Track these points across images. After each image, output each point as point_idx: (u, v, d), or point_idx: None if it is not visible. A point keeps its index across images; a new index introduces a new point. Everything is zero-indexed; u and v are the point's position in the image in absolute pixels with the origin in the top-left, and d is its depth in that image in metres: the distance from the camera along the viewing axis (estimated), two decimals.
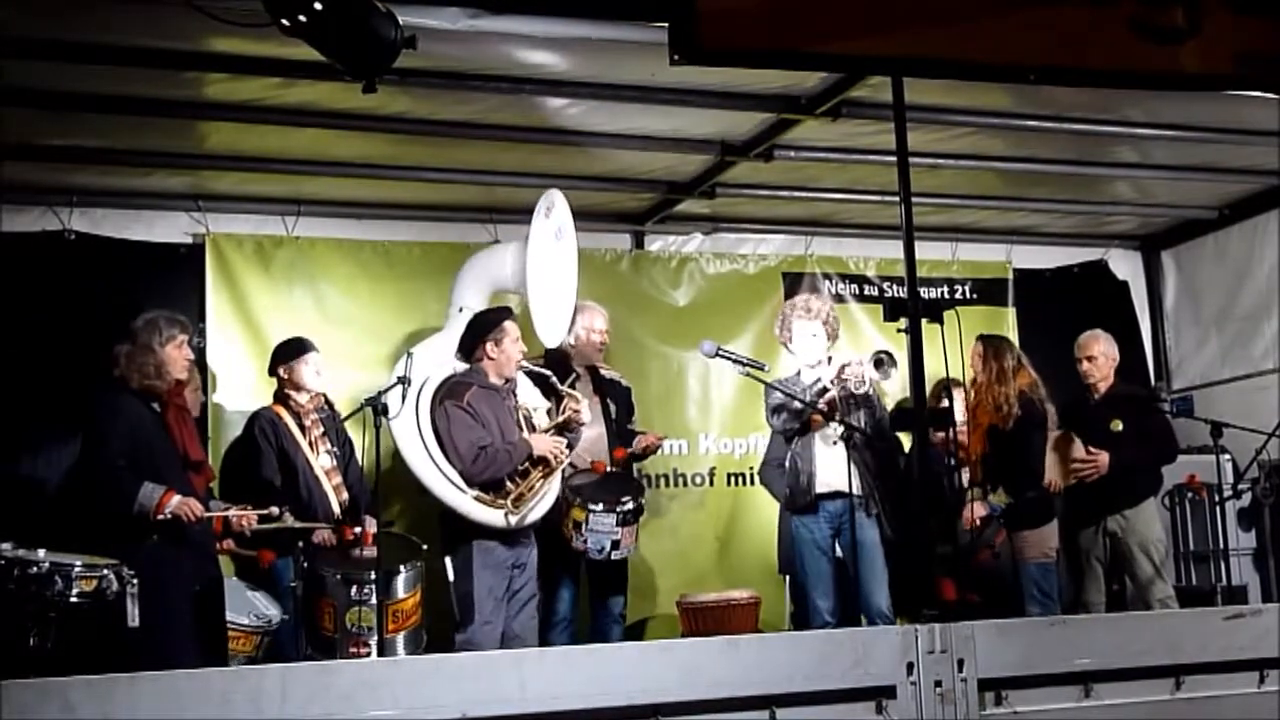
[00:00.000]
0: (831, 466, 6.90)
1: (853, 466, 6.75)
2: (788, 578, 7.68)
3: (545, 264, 7.14)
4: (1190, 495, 8.53)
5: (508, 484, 6.69)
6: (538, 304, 7.06)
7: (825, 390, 6.94)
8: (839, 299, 8.96)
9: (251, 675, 3.67)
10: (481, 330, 6.92)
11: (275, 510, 6.30)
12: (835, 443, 6.88)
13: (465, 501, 6.66)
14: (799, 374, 7.22)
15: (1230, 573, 8.15)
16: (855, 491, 6.79)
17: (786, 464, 7.21)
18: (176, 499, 5.91)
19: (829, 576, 6.98)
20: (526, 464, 6.75)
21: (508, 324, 6.90)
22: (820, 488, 6.97)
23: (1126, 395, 7.59)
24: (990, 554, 7.10)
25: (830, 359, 7.12)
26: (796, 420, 7.06)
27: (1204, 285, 9.58)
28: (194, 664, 5.38)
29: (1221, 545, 8.07)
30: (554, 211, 7.21)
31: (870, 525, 6.91)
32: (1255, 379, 8.97)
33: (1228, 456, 8.28)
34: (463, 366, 6.97)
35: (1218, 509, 8.02)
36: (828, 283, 8.99)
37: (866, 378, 6.90)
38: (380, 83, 5.18)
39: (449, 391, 6.79)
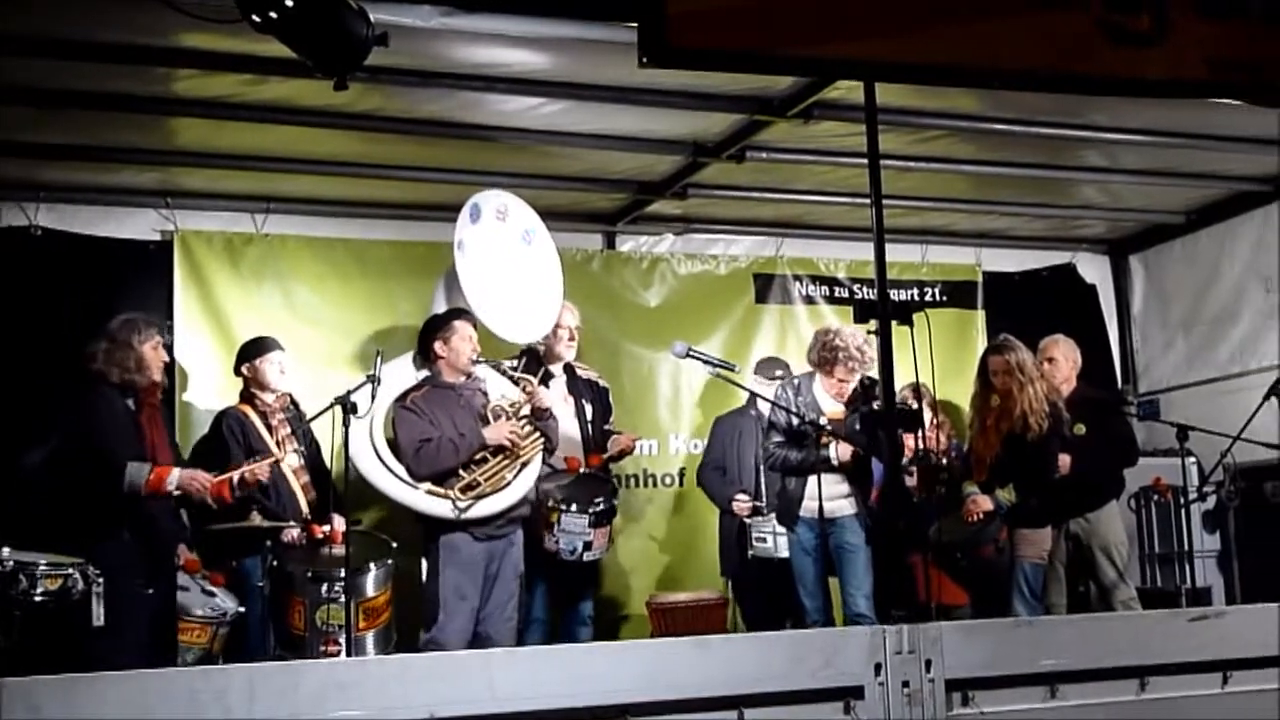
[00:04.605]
0: (827, 494, 6.73)
1: (849, 487, 6.79)
2: (730, 580, 7.71)
3: (502, 266, 7.18)
4: (1156, 497, 8.57)
5: (460, 473, 6.71)
6: (493, 306, 7.06)
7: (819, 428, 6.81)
8: (809, 300, 9.00)
9: (219, 675, 3.65)
10: (432, 330, 6.99)
11: (278, 456, 6.38)
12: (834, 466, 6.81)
13: (415, 496, 6.70)
14: (812, 378, 7.05)
15: (1195, 575, 8.19)
16: (850, 512, 6.81)
17: (763, 477, 7.23)
18: (179, 472, 5.93)
19: (815, 576, 6.94)
20: (484, 453, 6.77)
21: (456, 323, 6.94)
22: (807, 512, 6.87)
23: (1089, 399, 7.61)
24: (994, 549, 7.15)
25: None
26: (803, 463, 6.86)
27: (1171, 289, 9.64)
28: (146, 662, 5.34)
29: (1186, 547, 8.11)
30: (511, 214, 7.23)
31: (856, 530, 6.85)
32: (1221, 383, 9.04)
33: (1193, 459, 8.30)
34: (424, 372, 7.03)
35: (1183, 511, 8.06)
36: (798, 284, 9.02)
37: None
38: (352, 80, 5.17)
39: (399, 396, 6.86)
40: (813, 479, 6.77)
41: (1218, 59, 4.46)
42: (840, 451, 6.78)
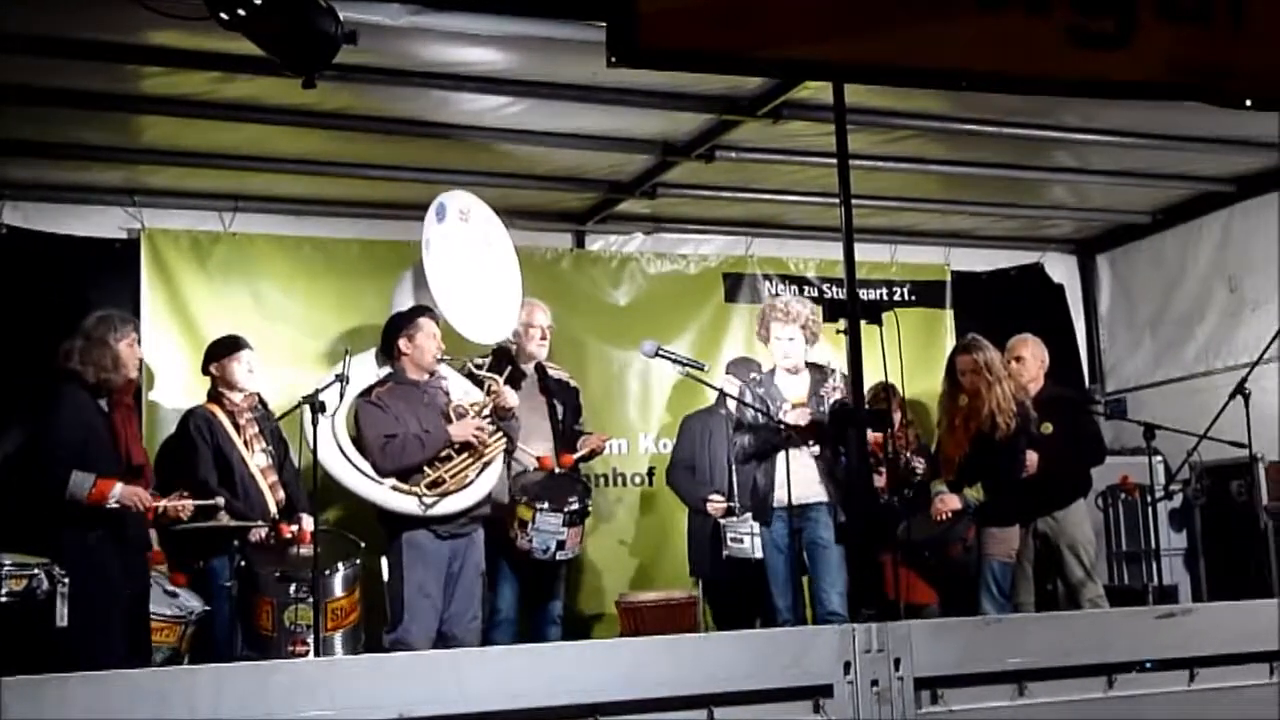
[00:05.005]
0: (795, 479, 6.72)
1: (820, 475, 6.76)
2: (700, 580, 7.72)
3: (465, 267, 7.19)
4: (1123, 496, 8.64)
5: (425, 470, 6.71)
6: (457, 306, 7.06)
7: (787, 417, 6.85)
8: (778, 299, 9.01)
9: (186, 676, 3.63)
10: (396, 328, 6.99)
11: (220, 500, 6.27)
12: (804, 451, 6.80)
13: (381, 492, 6.69)
14: (773, 374, 7.06)
15: (1161, 572, 8.25)
16: (823, 499, 6.78)
17: (735, 467, 7.23)
18: (121, 487, 5.89)
19: (786, 575, 6.90)
20: (449, 451, 6.77)
21: (420, 319, 6.94)
22: (780, 502, 6.82)
23: (1056, 398, 7.65)
24: (962, 548, 7.18)
25: (808, 366, 7.01)
26: (756, 437, 6.93)
27: (1138, 289, 9.71)
28: (120, 664, 5.32)
29: (1153, 545, 8.16)
30: (473, 215, 7.25)
31: (829, 527, 6.79)
32: (1187, 382, 9.10)
33: (1160, 458, 8.41)
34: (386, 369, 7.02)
35: (1150, 510, 8.11)
36: (768, 283, 9.04)
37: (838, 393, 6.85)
38: (320, 78, 5.18)
39: (363, 391, 6.86)
40: (781, 466, 6.75)
41: (1181, 62, 4.50)
42: (797, 416, 6.77)
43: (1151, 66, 4.48)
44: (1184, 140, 7.64)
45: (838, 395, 6.78)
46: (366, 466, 6.74)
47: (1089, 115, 7.20)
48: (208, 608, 6.33)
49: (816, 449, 6.76)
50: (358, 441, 6.83)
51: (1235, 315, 8.80)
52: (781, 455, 6.78)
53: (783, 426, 6.74)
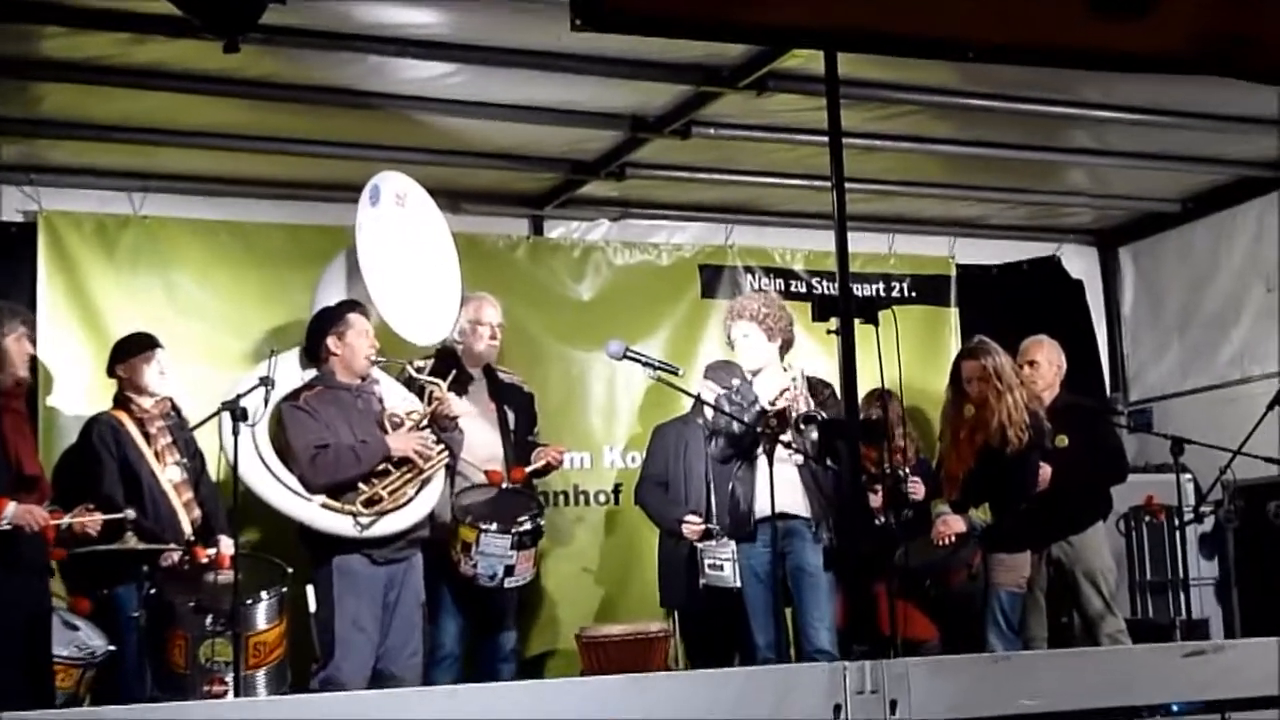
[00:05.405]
0: (775, 487, 6.75)
1: (804, 486, 6.79)
2: (675, 613, 7.73)
3: (401, 257, 7.19)
4: (1147, 518, 8.68)
5: (360, 486, 6.69)
6: (392, 300, 7.06)
7: (764, 411, 6.89)
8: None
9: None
10: (323, 326, 6.98)
11: (130, 513, 6.24)
12: (785, 458, 6.84)
13: (309, 510, 6.67)
14: (750, 382, 7.11)
15: (1190, 605, 8.30)
16: (805, 513, 6.81)
17: (713, 484, 7.25)
18: (14, 507, 5.86)
19: (768, 608, 6.92)
20: (386, 465, 6.76)
21: (350, 316, 6.93)
22: (760, 513, 6.87)
23: (1073, 407, 7.69)
24: (966, 575, 7.20)
25: (787, 367, 7.07)
26: (734, 446, 6.99)
27: (1165, 286, 9.76)
28: (22, 704, 5.29)
29: (1181, 574, 8.21)
30: (411, 200, 7.26)
31: (816, 551, 6.84)
32: (1220, 390, 9.16)
33: (1189, 476, 8.43)
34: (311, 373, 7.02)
35: (1177, 534, 8.18)
36: (750, 277, 9.06)
37: (803, 400, 6.87)
38: (244, 42, 5.15)
39: (287, 395, 6.83)
40: (761, 475, 6.78)
41: (1206, 32, 4.53)
42: (768, 391, 6.82)
43: (1173, 37, 4.51)
44: (1216, 119, 7.67)
45: (801, 403, 6.79)
46: (293, 481, 6.71)
47: (1110, 90, 7.24)
48: (111, 647, 6.29)
49: (800, 458, 6.78)
50: (282, 452, 6.80)
51: (1274, 316, 8.82)
52: (762, 464, 6.80)
53: (760, 431, 6.77)
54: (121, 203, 7.76)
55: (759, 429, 6.80)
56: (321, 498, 6.67)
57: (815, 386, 7.00)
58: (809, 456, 6.77)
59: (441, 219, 7.44)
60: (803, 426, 6.75)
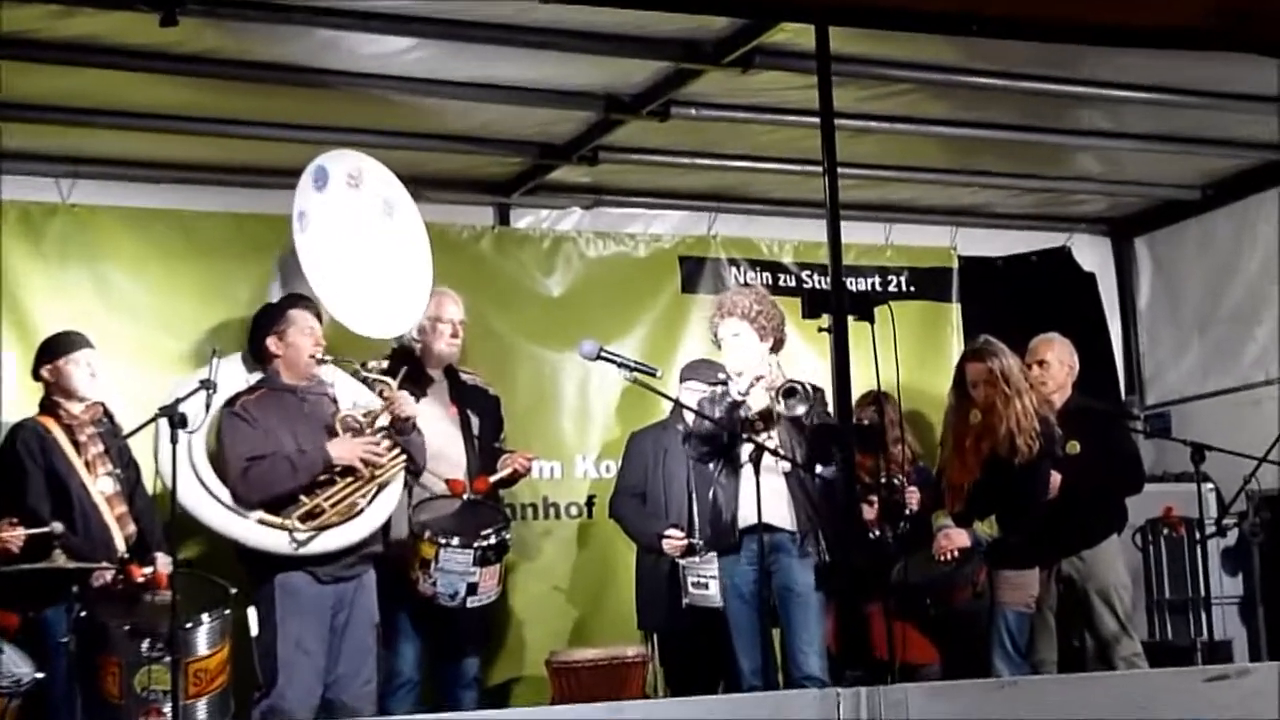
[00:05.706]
0: (762, 498, 6.66)
1: (790, 496, 6.80)
2: (655, 635, 7.77)
3: (354, 244, 7.21)
4: (1166, 532, 8.71)
5: (301, 498, 6.71)
6: (342, 293, 7.08)
7: (737, 405, 6.91)
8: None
9: None
10: (264, 324, 7.02)
11: (58, 528, 6.24)
12: (772, 467, 6.81)
13: (243, 526, 6.71)
14: (727, 383, 7.06)
15: (1212, 625, 8.35)
16: (791, 526, 6.81)
17: (696, 493, 7.26)
18: None
19: (753, 629, 6.88)
20: (332, 475, 6.79)
21: (293, 312, 6.97)
22: (744, 522, 6.83)
23: (1086, 411, 7.72)
24: (970, 593, 7.22)
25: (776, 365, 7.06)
26: (710, 444, 6.98)
27: (1184, 279, 9.80)
28: None
29: (1202, 592, 8.24)
30: (366, 180, 7.24)
31: (805, 568, 6.80)
32: (1244, 392, 9.20)
33: (1211, 486, 8.46)
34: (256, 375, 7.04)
35: (1198, 548, 8.20)
36: (734, 270, 9.08)
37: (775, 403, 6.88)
38: (182, 14, 5.17)
39: (228, 400, 6.84)
40: (746, 482, 6.78)
41: (1217, 5, 4.58)
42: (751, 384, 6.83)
43: (1179, 10, 4.56)
44: (1239, 98, 7.70)
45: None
46: (225, 495, 6.73)
47: (1123, 67, 7.25)
48: (39, 674, 6.27)
49: (786, 465, 6.80)
50: (216, 463, 6.82)
51: None
52: (747, 472, 6.81)
53: (744, 436, 6.79)
54: (48, 189, 7.74)
55: (742, 434, 6.80)
56: (259, 513, 6.69)
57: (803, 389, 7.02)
58: (796, 464, 6.78)
59: (408, 197, 7.44)
60: (783, 401, 6.73)
